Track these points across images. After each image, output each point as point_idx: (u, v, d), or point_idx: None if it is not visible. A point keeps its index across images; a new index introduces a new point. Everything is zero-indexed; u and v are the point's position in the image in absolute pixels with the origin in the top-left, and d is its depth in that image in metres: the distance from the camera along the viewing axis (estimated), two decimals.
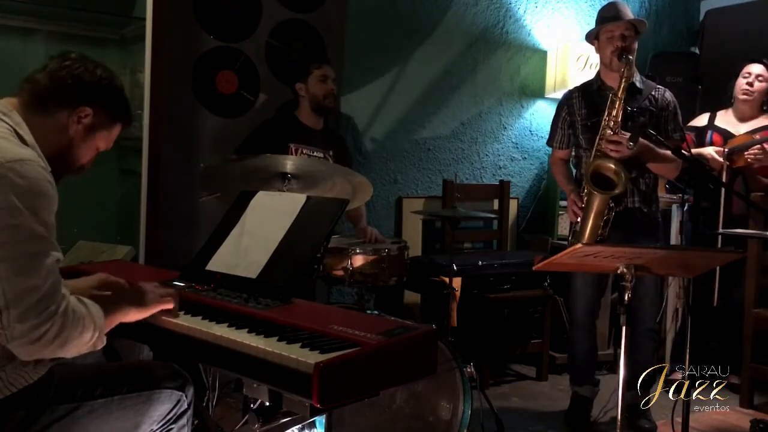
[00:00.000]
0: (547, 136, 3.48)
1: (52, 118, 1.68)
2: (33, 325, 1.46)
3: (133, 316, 1.75)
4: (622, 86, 3.01)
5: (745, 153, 3.55)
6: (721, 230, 3.44)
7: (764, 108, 3.73)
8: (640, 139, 2.92)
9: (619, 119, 3.00)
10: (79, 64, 1.71)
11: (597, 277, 3.27)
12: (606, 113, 3.03)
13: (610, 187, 2.98)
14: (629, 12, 3.16)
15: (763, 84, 3.67)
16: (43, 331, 1.48)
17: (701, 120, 3.87)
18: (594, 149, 3.06)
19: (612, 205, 3.03)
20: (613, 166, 2.98)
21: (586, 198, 3.06)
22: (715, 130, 3.76)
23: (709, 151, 3.62)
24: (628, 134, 2.95)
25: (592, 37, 3.21)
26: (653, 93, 3.18)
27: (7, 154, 1.51)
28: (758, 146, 3.52)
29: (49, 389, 1.64)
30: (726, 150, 3.57)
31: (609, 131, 3.01)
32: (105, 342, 1.63)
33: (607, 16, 3.14)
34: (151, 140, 3.21)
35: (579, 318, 3.31)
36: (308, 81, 3.44)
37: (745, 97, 3.69)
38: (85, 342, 1.57)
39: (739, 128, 3.72)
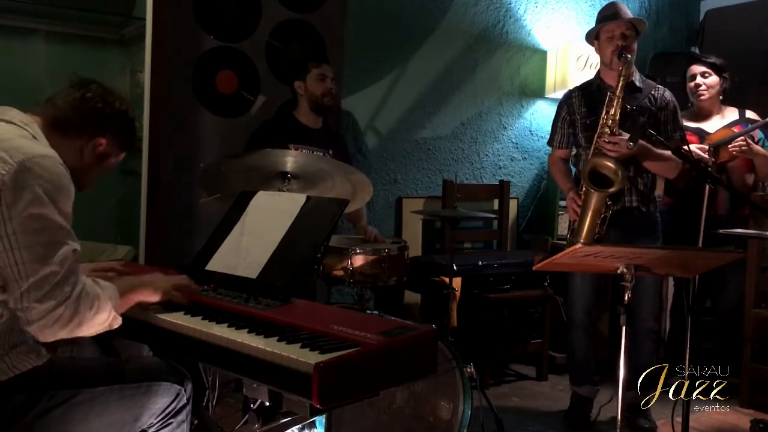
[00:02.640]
0: (547, 137, 3.49)
1: (70, 141, 1.80)
2: (51, 306, 1.56)
3: (149, 297, 1.83)
4: (620, 85, 3.01)
5: (729, 146, 3.52)
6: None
7: (720, 98, 3.71)
8: (639, 140, 2.93)
9: (617, 118, 3.01)
10: (99, 99, 1.82)
11: (596, 277, 3.27)
12: (604, 111, 3.04)
13: (607, 185, 2.99)
14: (629, 11, 3.17)
15: (712, 78, 3.65)
16: (59, 313, 1.58)
17: None
18: (592, 147, 3.06)
19: (609, 203, 3.03)
20: (610, 164, 2.98)
21: (583, 196, 3.07)
22: (687, 130, 3.75)
23: (693, 148, 3.61)
24: (626, 135, 2.96)
25: (591, 37, 3.22)
26: (653, 92, 3.19)
27: (32, 150, 1.63)
28: (741, 138, 3.50)
29: (49, 375, 1.69)
30: (709, 145, 3.55)
31: (607, 129, 3.02)
32: (120, 321, 1.72)
33: (607, 15, 3.15)
34: (151, 140, 3.21)
35: (577, 317, 3.32)
36: (307, 80, 3.43)
37: (701, 98, 3.66)
38: (101, 321, 1.67)
39: (708, 125, 3.70)
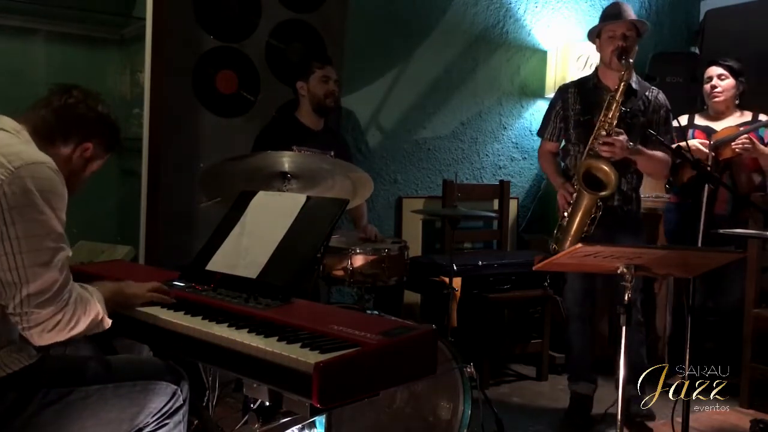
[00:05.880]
0: None
1: (58, 149, 1.81)
2: (51, 312, 1.60)
3: (119, 310, 1.84)
4: (620, 89, 3.02)
5: (732, 144, 3.54)
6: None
7: (737, 102, 3.73)
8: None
9: (615, 121, 3.01)
10: (82, 104, 1.83)
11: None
12: (602, 114, 3.04)
13: (600, 187, 3.00)
14: (632, 13, 3.17)
15: (729, 81, 3.68)
16: (58, 319, 1.62)
17: (681, 120, 3.88)
18: (587, 148, 3.07)
19: (600, 203, 3.05)
20: (604, 166, 3.00)
21: (575, 195, 3.08)
22: (696, 128, 3.77)
23: (694, 142, 3.62)
24: (623, 135, 2.96)
25: (593, 35, 3.23)
26: (647, 94, 3.19)
27: (30, 156, 1.66)
28: (745, 136, 3.52)
29: (43, 373, 1.69)
30: (712, 141, 3.56)
31: (603, 132, 3.02)
32: (110, 323, 1.75)
33: (610, 14, 3.16)
34: (151, 140, 3.20)
35: (572, 311, 3.35)
36: (310, 80, 3.42)
37: (716, 99, 3.70)
38: (92, 320, 1.70)
39: (719, 125, 3.71)
